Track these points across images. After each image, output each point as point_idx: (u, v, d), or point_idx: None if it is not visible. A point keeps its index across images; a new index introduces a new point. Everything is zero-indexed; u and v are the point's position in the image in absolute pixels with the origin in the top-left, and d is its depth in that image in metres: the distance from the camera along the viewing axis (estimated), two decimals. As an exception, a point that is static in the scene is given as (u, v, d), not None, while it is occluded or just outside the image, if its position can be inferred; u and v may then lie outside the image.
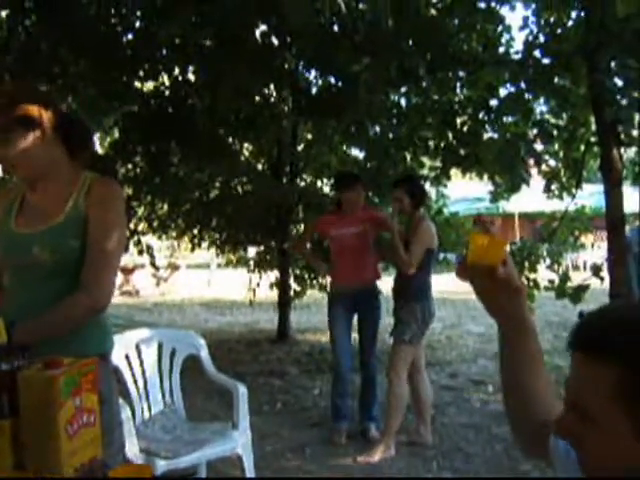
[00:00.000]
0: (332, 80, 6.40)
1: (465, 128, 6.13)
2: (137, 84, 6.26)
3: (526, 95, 5.56)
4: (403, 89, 6.23)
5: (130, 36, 5.77)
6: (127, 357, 3.10)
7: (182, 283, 15.36)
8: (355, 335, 4.42)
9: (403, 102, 6.57)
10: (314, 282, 7.82)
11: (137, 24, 5.85)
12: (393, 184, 4.31)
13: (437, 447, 4.03)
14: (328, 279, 5.08)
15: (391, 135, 6.47)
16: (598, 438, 0.81)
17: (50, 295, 1.70)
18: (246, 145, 7.92)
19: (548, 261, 5.95)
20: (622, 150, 5.24)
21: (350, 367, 4.35)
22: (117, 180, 1.95)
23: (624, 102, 4.75)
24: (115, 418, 1.79)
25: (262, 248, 8.21)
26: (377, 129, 6.49)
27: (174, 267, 14.80)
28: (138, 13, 5.79)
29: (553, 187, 6.51)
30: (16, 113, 1.67)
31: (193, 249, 9.12)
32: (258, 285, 8.38)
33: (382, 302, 4.43)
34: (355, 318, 4.37)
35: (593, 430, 0.81)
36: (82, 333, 1.74)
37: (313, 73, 6.82)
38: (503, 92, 5.78)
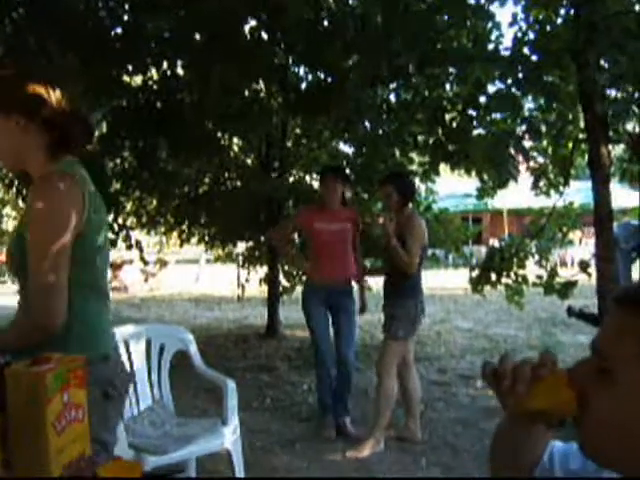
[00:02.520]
0: (322, 76, 6.38)
1: (454, 124, 6.14)
2: (125, 78, 6.22)
3: (514, 92, 5.57)
4: (392, 85, 6.23)
5: (118, 30, 5.73)
6: (115, 353, 3.08)
7: (171, 279, 15.32)
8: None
9: (392, 98, 6.57)
10: (303, 278, 7.82)
11: (125, 18, 5.80)
12: (381, 180, 4.32)
13: (426, 442, 4.04)
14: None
15: (380, 131, 6.47)
16: (609, 394, 0.77)
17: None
18: (235, 140, 7.90)
19: (536, 257, 5.98)
20: (610, 147, 5.28)
21: (333, 361, 4.35)
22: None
23: (615, 95, 4.78)
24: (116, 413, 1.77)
25: (251, 244, 8.20)
26: (367, 125, 6.49)
27: (163, 263, 14.75)
28: (126, 7, 5.75)
29: (541, 184, 6.53)
30: None
31: (182, 244, 9.10)
32: (247, 281, 8.38)
33: (371, 299, 4.45)
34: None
35: (607, 384, 0.77)
36: (71, 339, 1.61)
37: (303, 69, 6.81)
38: (492, 89, 5.80)
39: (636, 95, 4.76)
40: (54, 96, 1.64)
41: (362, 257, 4.64)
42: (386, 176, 4.40)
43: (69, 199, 1.57)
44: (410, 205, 4.16)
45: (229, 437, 3.04)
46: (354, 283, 4.45)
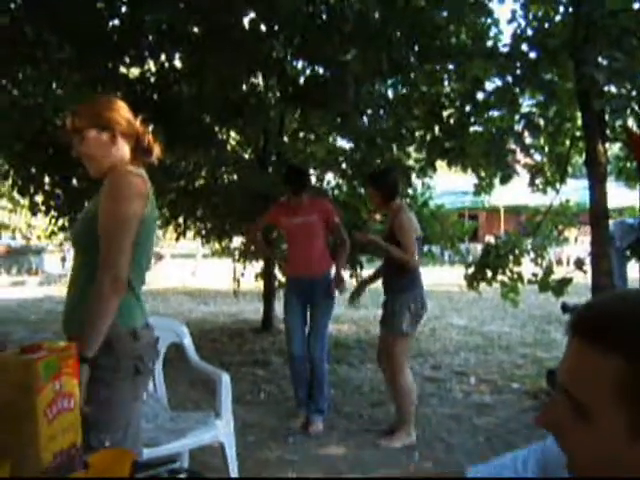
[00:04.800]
0: (320, 70, 6.37)
1: (452, 120, 6.13)
2: (122, 70, 6.19)
3: (513, 89, 5.57)
4: (391, 80, 6.22)
5: (116, 22, 5.70)
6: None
7: (166, 273, 15.31)
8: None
9: (390, 93, 6.56)
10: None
11: (123, 9, 5.78)
12: (365, 182, 4.37)
13: (419, 437, 4.05)
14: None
15: (378, 126, 6.46)
16: (589, 433, 0.75)
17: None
18: (232, 134, 7.88)
19: (532, 255, 5.98)
20: (607, 145, 5.28)
21: (303, 356, 4.33)
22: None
23: (613, 91, 4.78)
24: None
25: (243, 239, 8.19)
26: (364, 120, 6.48)
27: (158, 257, 14.75)
28: (124, -2, 5.72)
29: (538, 181, 6.53)
30: (93, 117, 2.01)
31: (178, 239, 9.08)
32: (243, 275, 8.37)
33: (366, 294, 4.45)
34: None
35: (585, 424, 0.75)
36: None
37: (301, 62, 6.79)
38: (490, 86, 5.79)
39: (633, 93, 4.76)
40: (130, 116, 2.07)
41: (348, 248, 4.55)
42: (367, 176, 4.44)
43: (137, 190, 1.98)
44: (398, 200, 4.14)
45: (222, 430, 3.04)
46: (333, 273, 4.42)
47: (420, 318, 4.05)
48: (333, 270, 4.44)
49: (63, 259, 16.56)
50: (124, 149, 2.06)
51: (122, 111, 2.07)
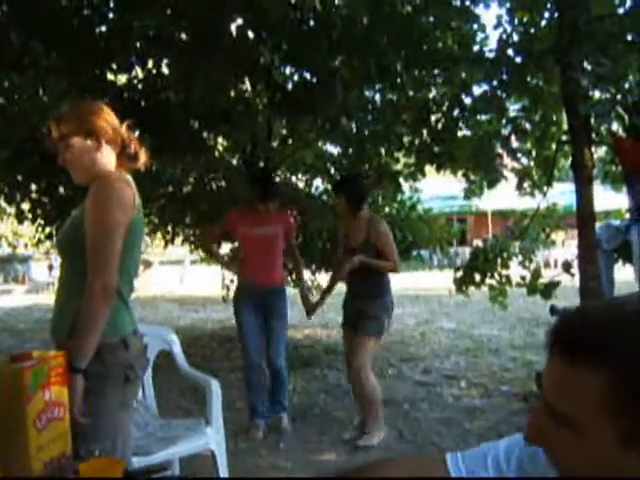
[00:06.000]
0: (308, 76, 6.38)
1: (439, 125, 6.16)
2: (110, 77, 6.17)
3: (499, 93, 5.61)
4: (378, 86, 6.24)
5: (103, 28, 5.68)
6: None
7: (154, 279, 15.24)
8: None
9: (377, 98, 6.58)
10: (287, 279, 7.81)
11: (110, 16, 5.76)
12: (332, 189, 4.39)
13: (411, 442, 4.05)
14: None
15: (366, 131, 6.48)
16: (579, 446, 0.74)
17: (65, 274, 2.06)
18: (220, 140, 7.87)
19: (520, 258, 6.01)
20: (593, 149, 5.32)
21: (261, 364, 4.33)
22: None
23: (598, 96, 4.82)
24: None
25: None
26: (353, 125, 6.49)
27: (147, 263, 14.68)
28: (111, 4, 5.71)
29: (525, 185, 6.58)
30: (77, 123, 1.99)
31: (166, 245, 9.05)
32: (232, 281, 8.33)
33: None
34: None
35: (574, 438, 0.74)
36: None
37: (289, 68, 6.79)
38: (478, 90, 5.83)
39: (618, 97, 4.81)
40: (115, 122, 2.05)
41: (299, 261, 4.67)
42: (335, 184, 4.45)
43: (123, 197, 1.96)
44: (366, 208, 4.16)
45: (213, 437, 3.02)
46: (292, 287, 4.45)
47: (391, 320, 4.14)
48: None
49: (50, 267, 16.43)
50: (109, 156, 2.04)
51: (107, 117, 2.05)
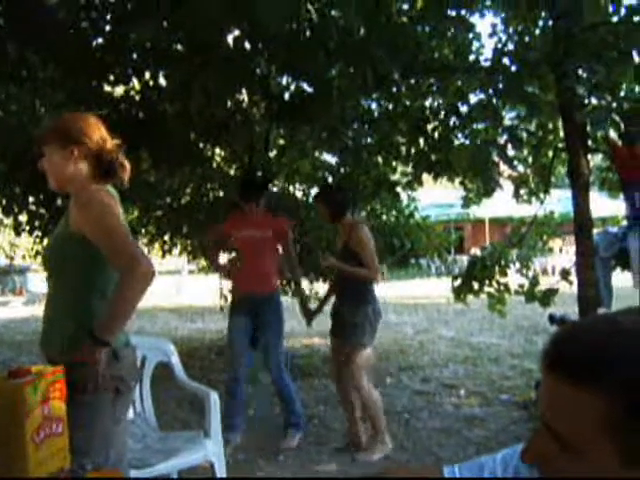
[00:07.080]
0: (305, 86, 6.39)
1: (436, 134, 6.18)
2: (107, 89, 6.18)
3: (495, 102, 5.63)
4: (375, 95, 6.26)
5: (100, 40, 5.70)
6: (96, 365, 3.04)
7: (152, 290, 15.19)
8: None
9: (374, 108, 6.60)
10: (286, 288, 7.81)
11: (107, 28, 5.77)
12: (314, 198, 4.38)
13: (410, 451, 4.04)
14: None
15: (363, 141, 6.50)
16: (581, 468, 0.73)
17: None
18: (218, 151, 7.88)
19: (518, 265, 6.02)
20: (589, 156, 5.34)
21: (244, 377, 4.29)
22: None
23: (594, 103, 4.84)
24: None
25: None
26: (350, 135, 6.51)
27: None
28: (108, 17, 5.72)
29: (522, 192, 6.59)
30: (59, 132, 2.04)
31: (164, 255, 9.04)
32: (230, 291, 8.32)
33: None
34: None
35: (575, 459, 0.73)
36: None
37: (286, 78, 6.82)
38: (474, 98, 5.85)
39: (614, 104, 4.83)
40: (101, 134, 2.08)
41: (297, 270, 4.64)
42: (317, 192, 4.45)
43: (109, 203, 1.99)
44: (348, 216, 4.13)
45: (212, 449, 3.01)
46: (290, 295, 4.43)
47: (376, 329, 4.05)
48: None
49: (48, 278, 16.43)
50: (83, 165, 2.06)
51: (88, 129, 2.06)
